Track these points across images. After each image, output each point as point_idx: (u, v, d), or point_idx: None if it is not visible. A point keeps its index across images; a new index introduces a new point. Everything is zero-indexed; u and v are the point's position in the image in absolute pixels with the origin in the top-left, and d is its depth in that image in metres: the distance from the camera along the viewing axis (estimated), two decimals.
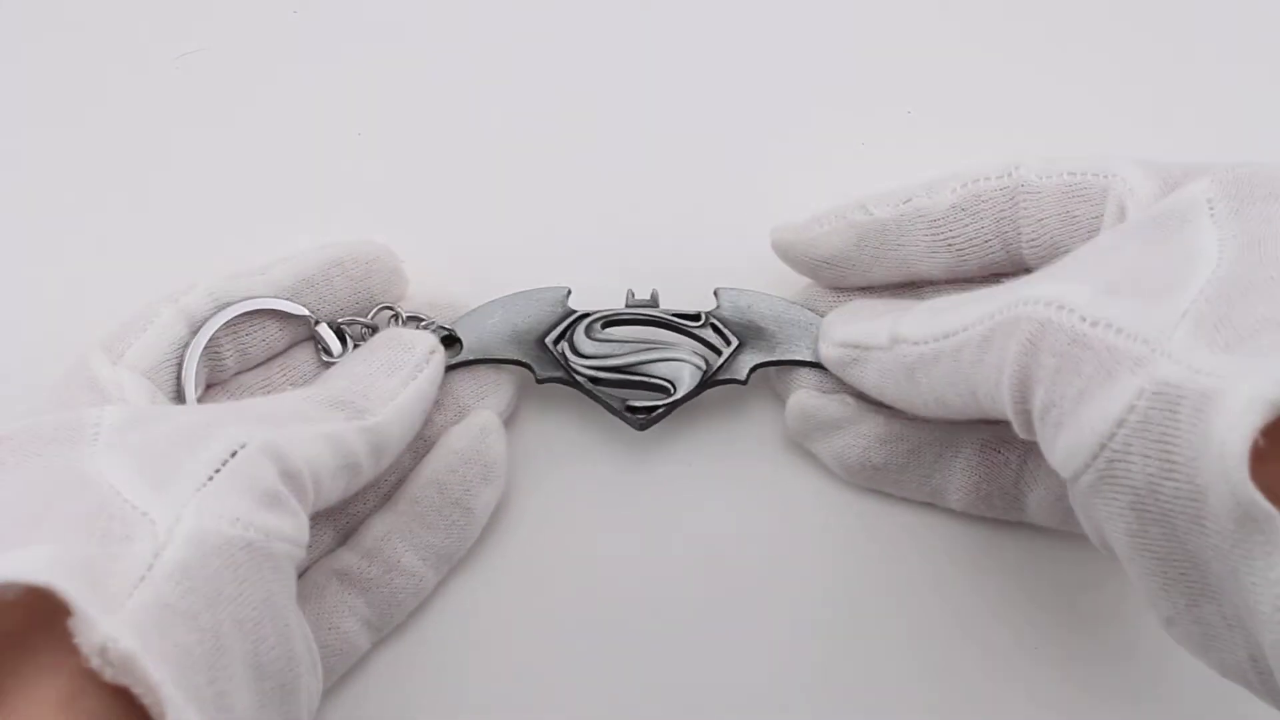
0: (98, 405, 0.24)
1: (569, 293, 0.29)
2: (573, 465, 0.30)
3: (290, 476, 0.22)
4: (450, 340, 0.29)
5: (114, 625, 0.17)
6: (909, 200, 0.27)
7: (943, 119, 0.32)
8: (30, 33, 0.33)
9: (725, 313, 0.29)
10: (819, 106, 0.32)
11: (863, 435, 0.28)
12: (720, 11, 0.33)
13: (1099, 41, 0.33)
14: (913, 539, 0.30)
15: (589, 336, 0.29)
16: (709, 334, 0.29)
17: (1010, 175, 0.26)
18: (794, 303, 0.29)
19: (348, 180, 0.32)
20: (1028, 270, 0.26)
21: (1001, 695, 0.29)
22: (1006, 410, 0.22)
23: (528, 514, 0.30)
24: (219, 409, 0.24)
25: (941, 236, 0.27)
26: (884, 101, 0.32)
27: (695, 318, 0.29)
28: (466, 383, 0.29)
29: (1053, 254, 0.26)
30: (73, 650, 0.17)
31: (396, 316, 0.29)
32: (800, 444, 0.29)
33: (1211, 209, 0.22)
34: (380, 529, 0.28)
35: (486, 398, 0.29)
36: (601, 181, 0.32)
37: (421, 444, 0.28)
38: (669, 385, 0.28)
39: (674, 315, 0.29)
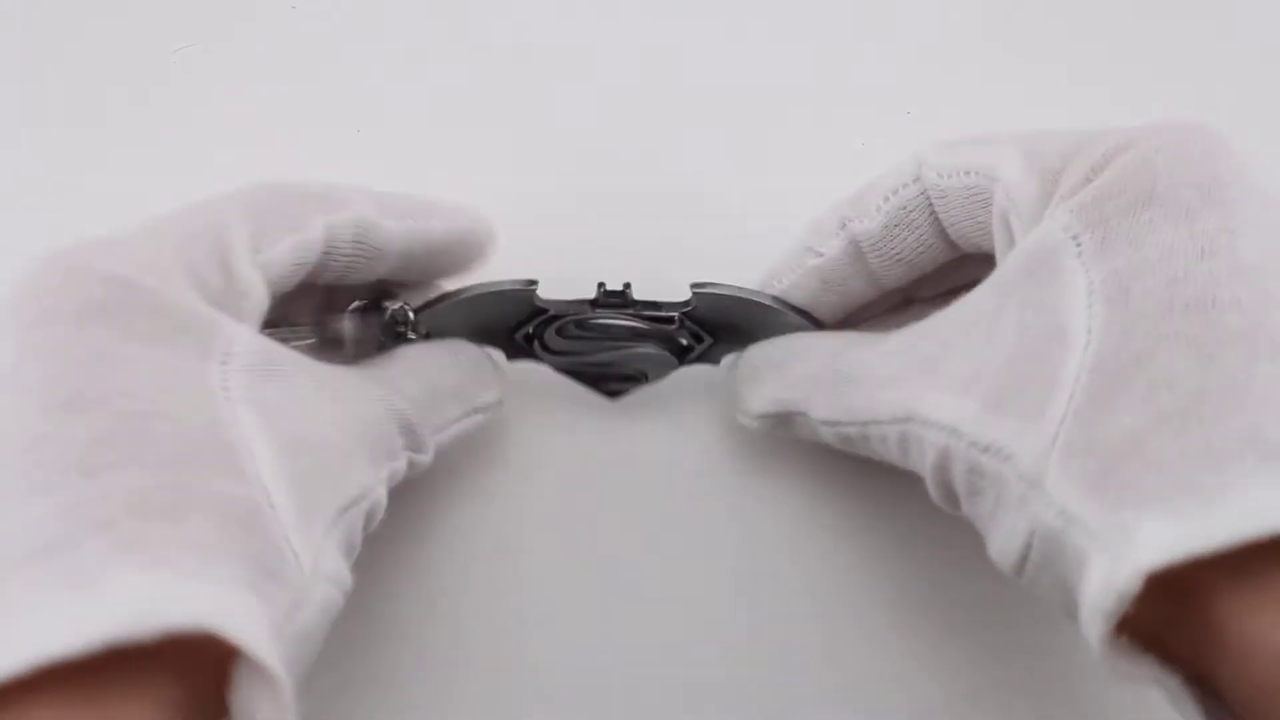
0: (216, 301, 0.21)
1: (536, 284, 0.28)
2: (551, 454, 0.30)
3: (368, 527, 0.22)
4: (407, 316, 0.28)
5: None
6: (844, 226, 0.26)
7: (943, 119, 0.32)
8: (29, 28, 0.33)
9: (701, 312, 0.29)
10: (819, 106, 0.33)
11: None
12: (720, 10, 0.33)
13: (1099, 40, 0.33)
14: (910, 534, 0.30)
15: (560, 335, 0.29)
16: (683, 335, 0.29)
17: (918, 179, 0.25)
18: (775, 301, 0.29)
19: (346, 177, 0.32)
20: (984, 257, 0.26)
21: (1000, 690, 0.29)
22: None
23: (507, 508, 0.30)
24: (347, 421, 0.22)
25: (889, 254, 0.26)
26: (884, 101, 0.33)
27: (669, 320, 0.28)
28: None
29: (978, 251, 0.25)
30: (183, 683, 0.16)
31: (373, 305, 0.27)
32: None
33: (1078, 245, 0.20)
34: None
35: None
36: (600, 180, 0.32)
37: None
38: (642, 375, 0.29)
39: (647, 317, 0.28)
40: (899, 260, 0.26)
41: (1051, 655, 0.29)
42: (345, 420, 0.22)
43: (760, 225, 0.30)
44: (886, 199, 0.26)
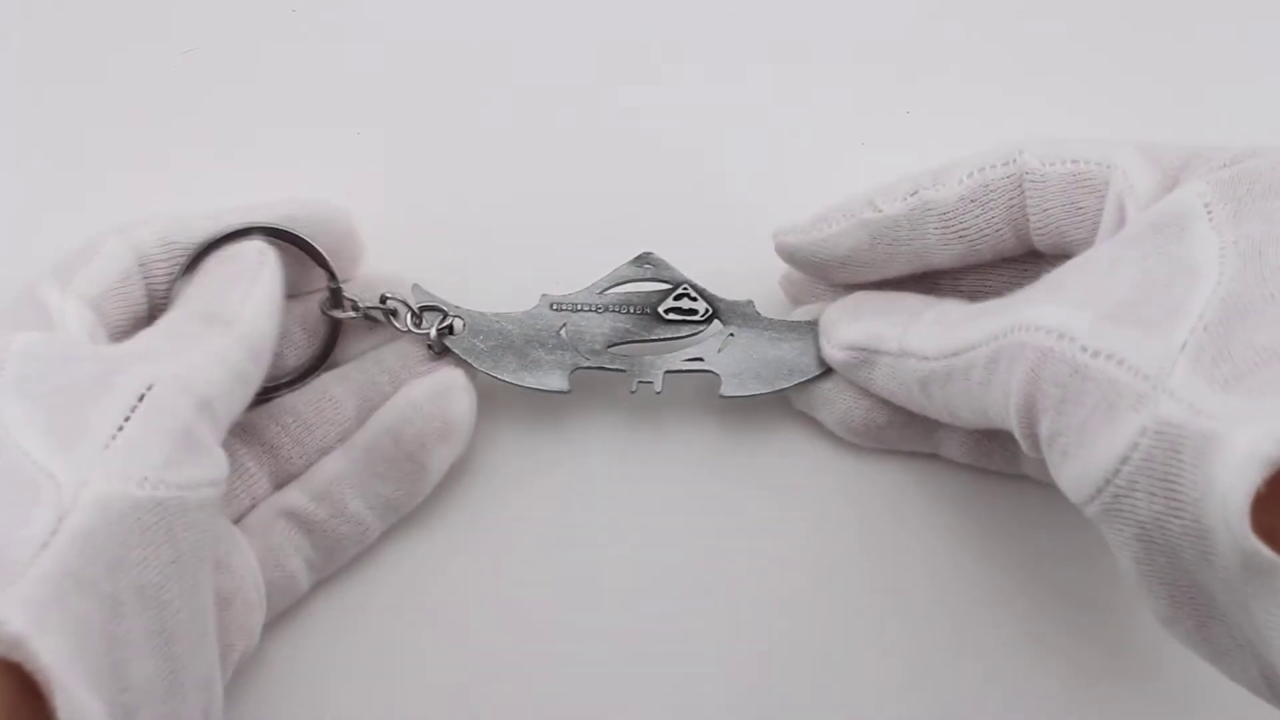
0: (15, 333, 0.23)
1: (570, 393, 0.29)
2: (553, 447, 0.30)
3: (204, 406, 0.22)
4: (430, 310, 0.29)
5: (4, 605, 0.17)
6: (916, 193, 0.26)
7: (943, 119, 0.32)
8: (32, 29, 0.33)
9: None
10: (819, 106, 0.33)
11: (866, 396, 0.28)
12: (719, 10, 0.33)
13: (1099, 40, 0.33)
14: (912, 533, 0.30)
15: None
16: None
17: (1014, 162, 0.25)
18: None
19: (346, 178, 0.32)
20: (1037, 254, 0.27)
21: (998, 686, 0.29)
22: (1014, 432, 0.23)
23: (500, 491, 0.30)
24: (128, 346, 0.24)
25: (953, 229, 0.26)
26: (884, 101, 0.33)
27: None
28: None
29: (1060, 241, 0.26)
30: None
31: (336, 294, 0.28)
32: (802, 411, 0.29)
33: (1210, 213, 0.21)
34: (332, 471, 0.28)
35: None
36: (599, 179, 0.32)
37: (375, 391, 0.28)
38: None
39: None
40: (961, 237, 0.26)
41: (1063, 654, 0.29)
42: (116, 351, 0.23)
43: (760, 224, 0.30)
44: (971, 174, 0.26)
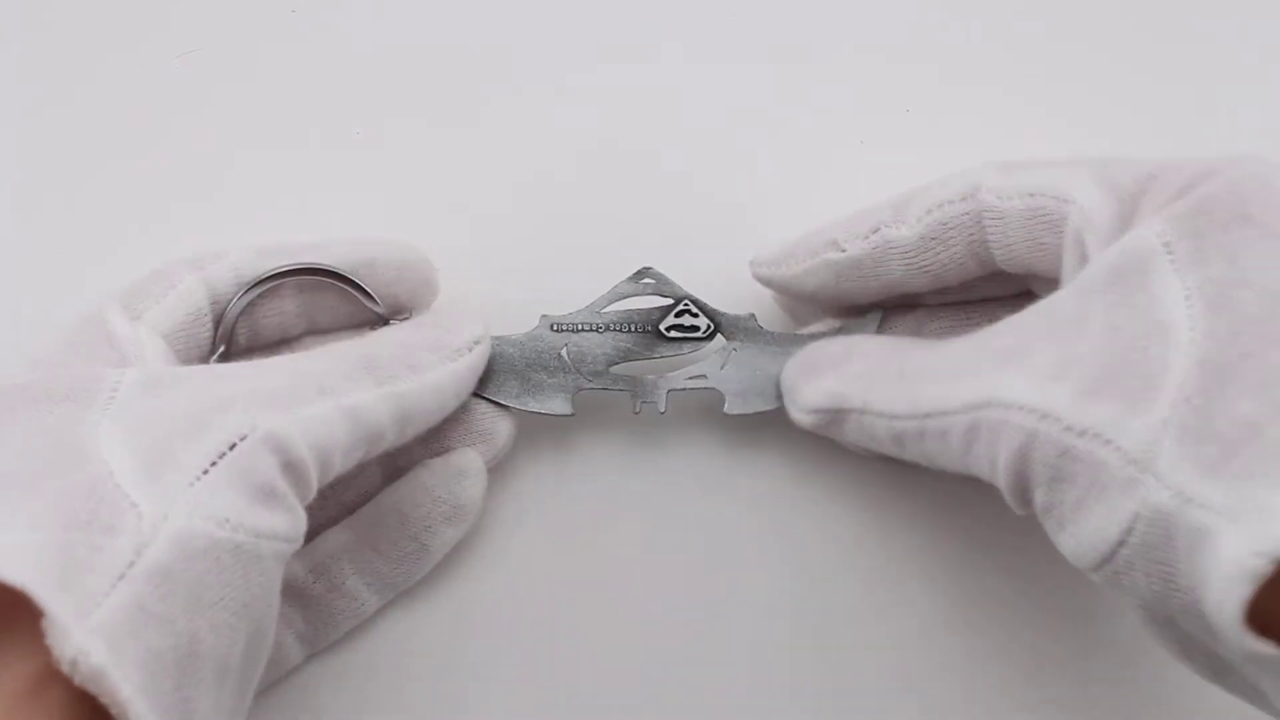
0: (117, 365, 0.23)
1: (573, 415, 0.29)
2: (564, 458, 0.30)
3: (291, 467, 0.22)
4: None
5: (86, 636, 0.17)
6: (877, 230, 0.26)
7: (942, 118, 0.32)
8: (30, 30, 0.33)
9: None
10: (818, 105, 0.32)
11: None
12: (720, 10, 0.33)
13: (1098, 39, 0.33)
14: (911, 540, 0.30)
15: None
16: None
17: (972, 198, 0.25)
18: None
19: (346, 179, 0.32)
20: (1006, 276, 0.26)
21: (1003, 692, 0.29)
22: (1005, 496, 0.23)
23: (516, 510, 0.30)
24: (235, 381, 0.23)
25: (916, 265, 0.26)
26: (883, 101, 0.32)
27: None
28: (462, 420, 0.28)
29: (1027, 272, 0.25)
30: (37, 642, 0.17)
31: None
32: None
33: (1170, 254, 0.21)
34: (333, 545, 0.27)
35: (482, 439, 0.28)
36: (598, 178, 0.32)
37: (392, 464, 0.28)
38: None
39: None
40: (925, 271, 0.26)
41: (1063, 657, 0.29)
42: (222, 387, 0.23)
43: (761, 224, 0.30)
44: (929, 211, 0.26)
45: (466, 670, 0.29)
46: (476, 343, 0.27)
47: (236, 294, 0.27)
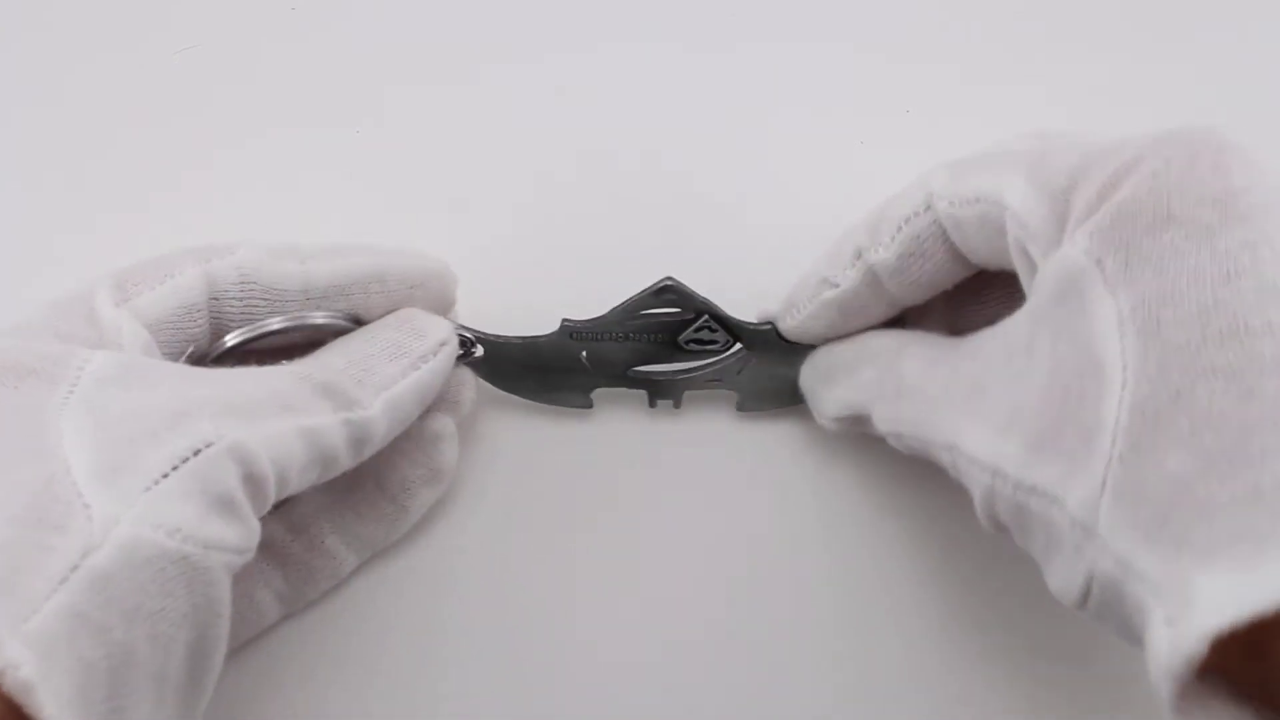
0: (90, 346, 0.23)
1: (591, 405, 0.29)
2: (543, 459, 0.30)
3: (252, 480, 0.22)
4: (465, 344, 0.28)
5: (17, 650, 0.17)
6: (860, 256, 0.26)
7: (942, 118, 0.32)
8: (30, 28, 0.33)
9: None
10: (818, 106, 0.32)
11: None
12: (720, 10, 0.33)
13: (1098, 39, 0.33)
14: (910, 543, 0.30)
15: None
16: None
17: (929, 209, 0.25)
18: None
19: (346, 177, 0.32)
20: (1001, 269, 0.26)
21: (1013, 686, 0.29)
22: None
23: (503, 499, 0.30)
24: (202, 387, 0.23)
25: (908, 280, 0.26)
26: (883, 101, 0.32)
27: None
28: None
29: (1003, 269, 0.25)
30: None
31: None
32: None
33: (1101, 269, 0.20)
34: (311, 506, 0.27)
35: (450, 406, 0.28)
36: (597, 178, 0.32)
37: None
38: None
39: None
40: (917, 284, 0.26)
41: (1078, 656, 0.29)
42: (195, 393, 0.22)
43: (761, 224, 0.30)
44: (899, 228, 0.25)
45: (470, 654, 0.29)
46: (443, 344, 0.27)
47: (241, 296, 0.26)
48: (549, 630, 0.29)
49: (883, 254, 0.25)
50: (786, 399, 0.29)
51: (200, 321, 0.25)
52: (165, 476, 0.20)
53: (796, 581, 0.29)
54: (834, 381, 0.27)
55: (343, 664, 0.28)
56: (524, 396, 0.29)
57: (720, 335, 0.28)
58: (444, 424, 0.28)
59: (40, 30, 0.33)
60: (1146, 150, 0.20)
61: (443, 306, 0.28)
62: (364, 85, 0.33)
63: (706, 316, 0.28)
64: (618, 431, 0.30)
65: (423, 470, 0.28)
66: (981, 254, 0.25)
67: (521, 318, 0.29)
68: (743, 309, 0.29)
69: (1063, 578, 0.20)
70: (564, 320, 0.28)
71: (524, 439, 0.30)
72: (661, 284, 0.28)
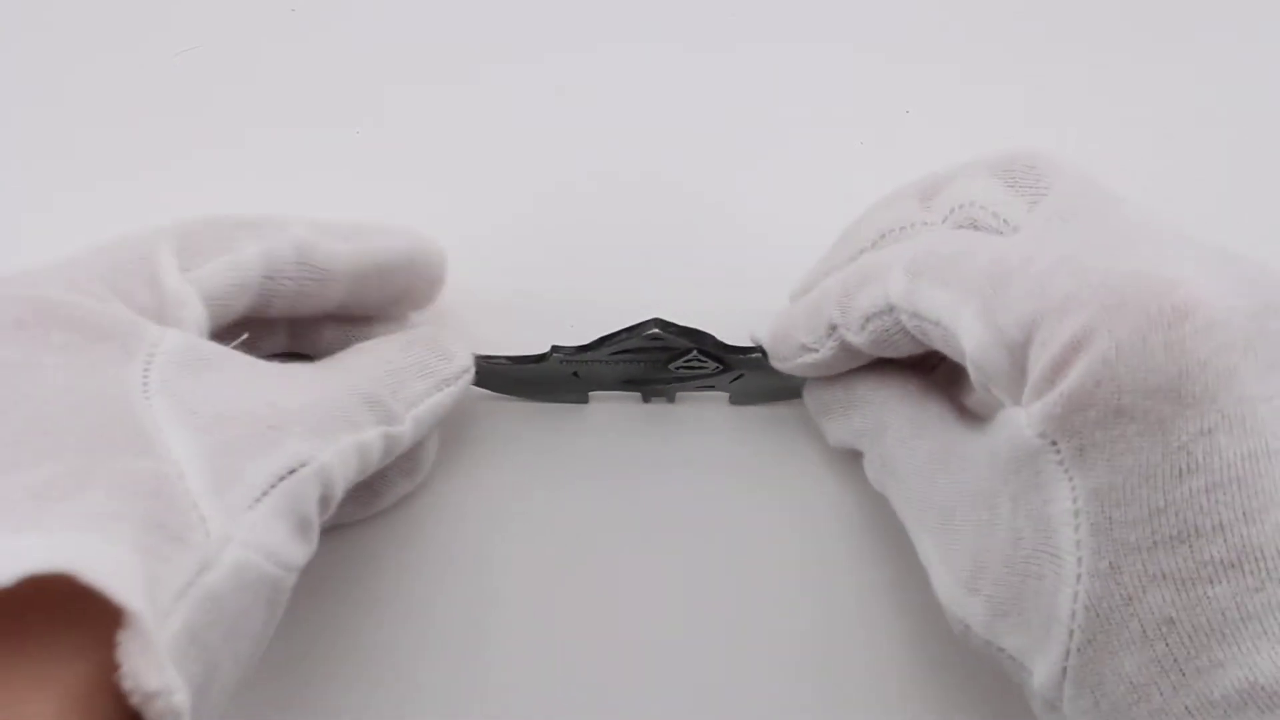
0: (154, 316, 0.22)
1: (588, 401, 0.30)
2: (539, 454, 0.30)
3: (325, 501, 0.22)
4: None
5: (172, 676, 0.16)
6: (834, 329, 0.25)
7: (942, 119, 0.32)
8: (30, 28, 0.33)
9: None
10: (818, 106, 0.32)
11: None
12: (720, 10, 0.33)
13: (1098, 39, 0.33)
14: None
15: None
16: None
17: (892, 313, 0.24)
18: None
19: (346, 177, 0.32)
20: None
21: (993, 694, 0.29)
22: None
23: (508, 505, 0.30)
24: (278, 391, 0.22)
25: (885, 354, 0.25)
26: (883, 101, 0.32)
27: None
28: None
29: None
30: (97, 643, 0.16)
31: None
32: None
33: (1057, 452, 0.19)
34: None
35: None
36: (596, 177, 0.32)
37: None
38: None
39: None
40: (893, 361, 0.26)
41: None
42: (278, 399, 0.22)
43: (761, 224, 0.30)
44: (866, 321, 0.24)
45: (464, 650, 0.29)
46: (465, 371, 0.27)
47: (295, 276, 0.25)
48: (542, 621, 0.29)
49: (854, 338, 0.25)
50: (777, 398, 0.29)
51: (247, 298, 0.24)
52: (265, 494, 0.20)
53: (791, 571, 0.29)
54: (831, 417, 0.28)
55: (334, 661, 0.28)
56: (518, 397, 0.29)
57: (710, 364, 0.28)
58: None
59: (40, 30, 0.33)
60: (1098, 323, 0.19)
61: (433, 293, 0.28)
62: (364, 85, 0.33)
63: (695, 351, 0.28)
64: (611, 419, 0.30)
65: (405, 462, 0.28)
66: (951, 354, 0.24)
67: (521, 317, 0.29)
68: (742, 309, 0.29)
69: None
70: (553, 346, 0.28)
71: (517, 425, 0.30)
72: (649, 328, 0.27)
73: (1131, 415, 0.18)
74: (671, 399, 0.30)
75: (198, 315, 0.23)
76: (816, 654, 0.29)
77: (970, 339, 0.21)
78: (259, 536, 0.19)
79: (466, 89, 0.33)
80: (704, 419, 0.30)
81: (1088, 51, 0.33)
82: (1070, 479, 0.19)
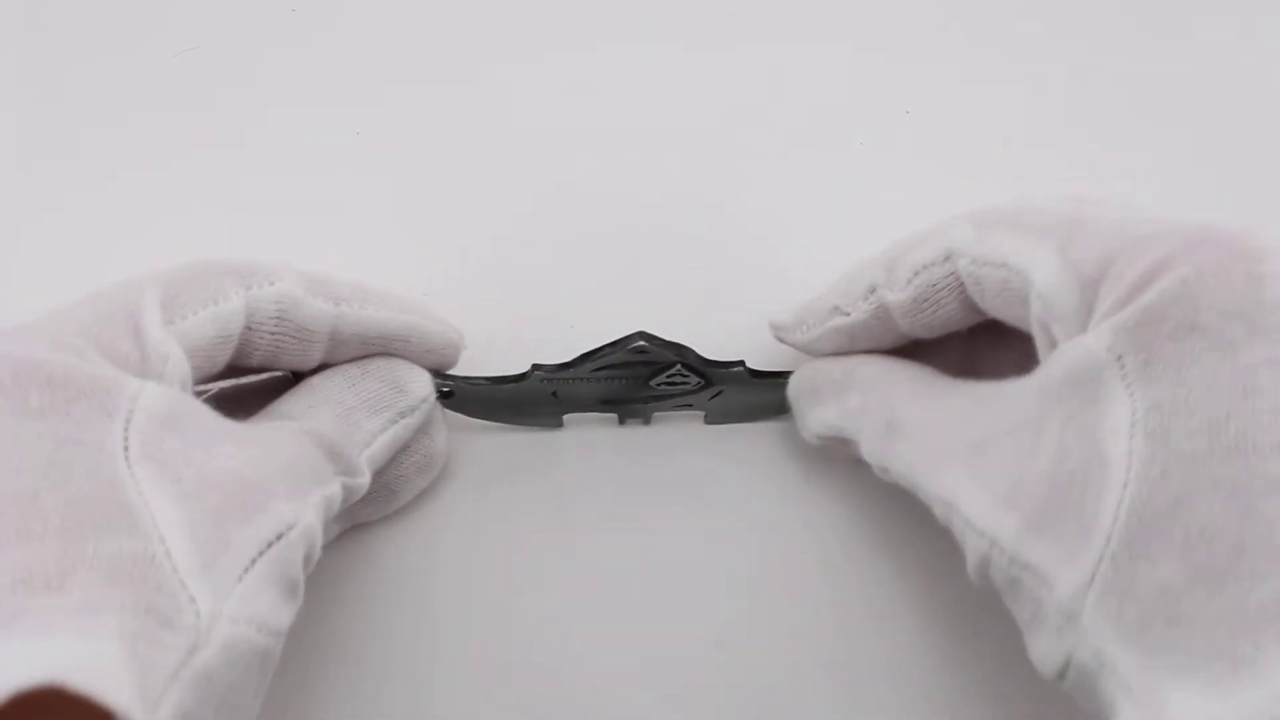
0: (136, 369, 0.21)
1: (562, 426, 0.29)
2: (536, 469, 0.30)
3: (309, 560, 0.22)
4: (444, 395, 0.28)
5: None
6: (874, 291, 0.26)
7: (941, 119, 0.32)
8: (30, 28, 0.33)
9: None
10: (818, 106, 0.32)
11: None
12: (720, 10, 0.33)
13: (1098, 39, 0.33)
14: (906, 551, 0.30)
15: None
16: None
17: (949, 260, 0.24)
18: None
19: (345, 178, 0.32)
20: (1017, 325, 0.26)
21: (989, 698, 0.29)
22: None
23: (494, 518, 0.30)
24: (254, 448, 0.22)
25: (918, 321, 0.26)
26: (883, 101, 0.32)
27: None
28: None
29: (1015, 325, 0.25)
30: None
31: None
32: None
33: (1122, 366, 0.20)
34: None
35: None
36: (596, 177, 0.32)
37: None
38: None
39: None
40: (928, 326, 0.26)
41: None
42: (259, 459, 0.22)
43: (760, 224, 0.30)
44: (916, 273, 0.25)
45: (449, 660, 0.29)
46: (424, 401, 0.27)
47: (273, 331, 0.24)
48: (520, 641, 0.28)
49: (897, 295, 0.25)
50: (754, 416, 0.29)
51: (228, 351, 0.24)
52: (254, 562, 0.20)
53: (770, 589, 0.29)
54: (820, 401, 0.27)
55: (313, 681, 0.28)
56: (497, 421, 0.29)
57: (692, 378, 0.28)
58: (436, 413, 0.28)
59: (40, 30, 0.33)
60: (1180, 252, 0.20)
61: (444, 367, 0.28)
62: (364, 85, 0.33)
63: (678, 365, 0.28)
64: (587, 442, 0.30)
65: (418, 457, 0.28)
66: (997, 311, 0.24)
67: (521, 315, 0.29)
68: (741, 309, 0.29)
69: (1043, 652, 0.21)
70: (534, 365, 0.28)
71: (494, 449, 0.30)
72: (634, 342, 0.27)
73: (1205, 331, 0.19)
74: (648, 420, 0.30)
75: (181, 368, 0.22)
76: (793, 674, 0.28)
77: (1043, 271, 0.22)
78: (248, 608, 0.20)
79: (466, 89, 0.33)
80: (680, 440, 0.30)
81: (1088, 51, 0.33)
82: (1131, 395, 0.19)
